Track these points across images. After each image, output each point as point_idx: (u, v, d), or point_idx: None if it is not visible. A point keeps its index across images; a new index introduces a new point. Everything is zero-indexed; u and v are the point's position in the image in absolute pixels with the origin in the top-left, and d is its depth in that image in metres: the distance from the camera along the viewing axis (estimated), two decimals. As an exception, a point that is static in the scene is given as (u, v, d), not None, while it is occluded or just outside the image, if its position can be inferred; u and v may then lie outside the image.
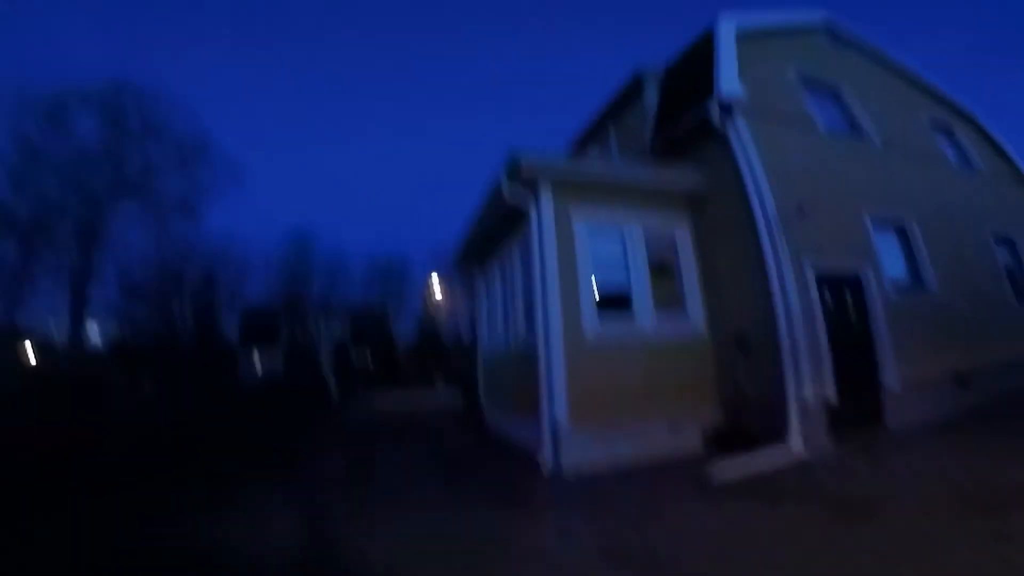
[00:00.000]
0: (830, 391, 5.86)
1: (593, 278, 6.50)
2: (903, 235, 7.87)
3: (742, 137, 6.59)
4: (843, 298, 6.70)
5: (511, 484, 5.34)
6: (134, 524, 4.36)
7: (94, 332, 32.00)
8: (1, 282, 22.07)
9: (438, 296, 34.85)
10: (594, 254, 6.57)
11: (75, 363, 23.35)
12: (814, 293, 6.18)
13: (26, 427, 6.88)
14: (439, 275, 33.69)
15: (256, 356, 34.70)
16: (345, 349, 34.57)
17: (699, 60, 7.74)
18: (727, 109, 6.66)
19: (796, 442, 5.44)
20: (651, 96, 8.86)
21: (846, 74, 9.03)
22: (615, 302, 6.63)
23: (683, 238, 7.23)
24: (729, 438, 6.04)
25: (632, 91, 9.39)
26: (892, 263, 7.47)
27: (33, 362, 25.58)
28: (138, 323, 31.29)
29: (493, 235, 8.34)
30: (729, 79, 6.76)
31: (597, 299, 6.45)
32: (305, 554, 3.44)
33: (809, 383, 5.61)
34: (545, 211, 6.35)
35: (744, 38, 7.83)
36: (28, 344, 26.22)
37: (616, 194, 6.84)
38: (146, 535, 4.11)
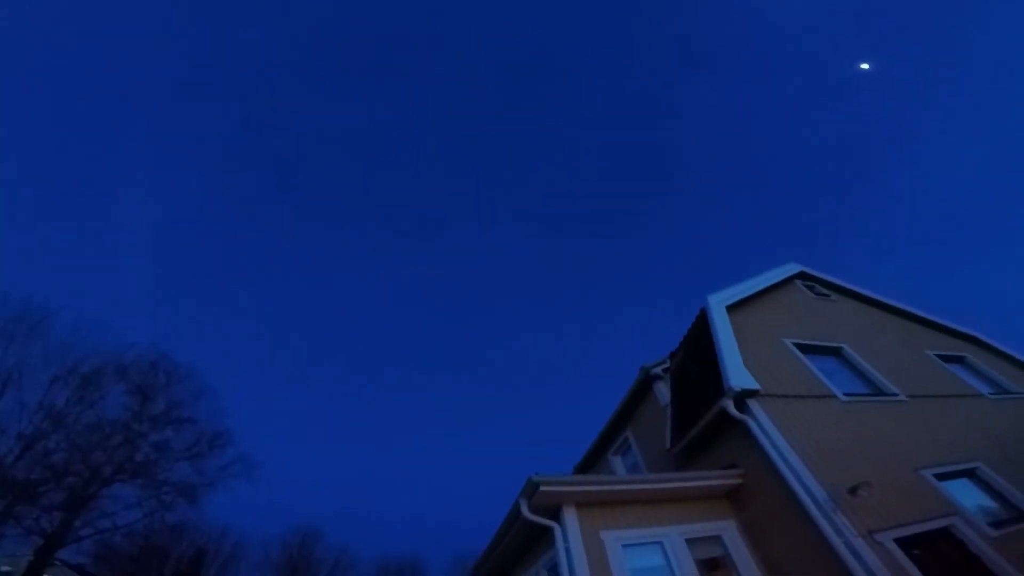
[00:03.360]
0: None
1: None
2: (974, 476, 7.15)
3: (763, 424, 6.48)
4: (941, 552, 5.90)
5: None
6: None
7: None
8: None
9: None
10: (632, 568, 5.85)
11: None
12: (902, 559, 5.53)
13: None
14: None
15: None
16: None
17: (700, 344, 8.15)
18: (740, 400, 6.69)
19: None
20: (662, 392, 9.05)
21: (839, 328, 9.43)
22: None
23: (730, 535, 6.51)
24: None
25: (642, 390, 9.67)
26: (978, 500, 6.80)
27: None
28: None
29: (517, 554, 7.57)
30: (736, 369, 6.94)
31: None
32: None
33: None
34: (571, 533, 5.83)
35: (734, 312, 8.37)
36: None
37: (647, 505, 6.38)
38: None
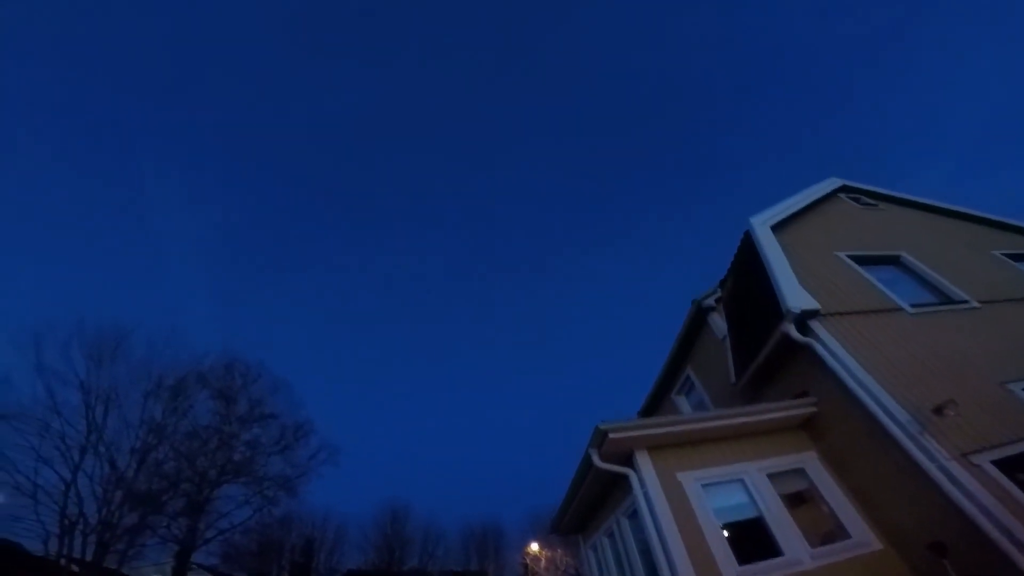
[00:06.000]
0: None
1: (722, 529, 5.78)
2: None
3: (829, 346, 6.28)
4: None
5: None
6: None
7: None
8: (116, 540, 22.60)
9: (539, 559, 35.47)
10: (715, 507, 5.94)
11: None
12: (1005, 483, 5.19)
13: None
14: (538, 536, 34.38)
15: (354, 617, 33.24)
16: (444, 611, 33.15)
17: (749, 269, 7.90)
18: (802, 322, 6.52)
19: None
20: (719, 324, 8.86)
21: (893, 236, 8.93)
22: (757, 547, 5.75)
23: (813, 467, 6.48)
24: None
25: (697, 324, 9.50)
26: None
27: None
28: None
29: (595, 503, 7.83)
30: (792, 289, 6.71)
31: (733, 549, 5.62)
32: None
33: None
34: (647, 477, 5.97)
35: (779, 232, 8.06)
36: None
37: (720, 443, 6.42)
38: None
